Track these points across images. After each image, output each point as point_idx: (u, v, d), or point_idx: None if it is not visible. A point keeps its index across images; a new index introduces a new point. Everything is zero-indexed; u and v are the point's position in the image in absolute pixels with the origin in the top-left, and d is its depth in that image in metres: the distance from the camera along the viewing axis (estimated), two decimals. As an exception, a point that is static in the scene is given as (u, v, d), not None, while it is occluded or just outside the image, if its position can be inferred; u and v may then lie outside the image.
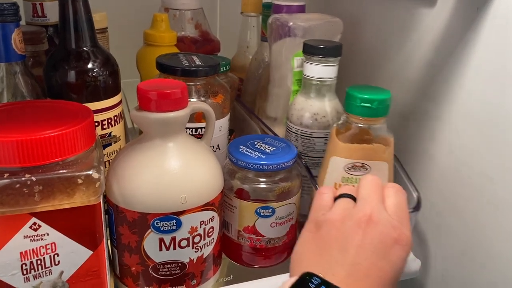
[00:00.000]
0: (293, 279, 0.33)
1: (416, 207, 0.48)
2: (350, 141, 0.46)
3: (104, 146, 0.50)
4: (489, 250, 0.46)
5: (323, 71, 0.51)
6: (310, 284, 0.32)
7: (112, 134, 0.51)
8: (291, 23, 0.57)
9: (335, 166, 0.47)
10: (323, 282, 0.32)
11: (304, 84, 0.54)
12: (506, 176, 0.43)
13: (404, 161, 0.53)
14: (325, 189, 0.42)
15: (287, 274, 0.49)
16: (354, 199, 0.40)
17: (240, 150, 0.47)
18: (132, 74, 0.66)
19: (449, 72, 0.48)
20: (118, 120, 0.51)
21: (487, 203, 0.45)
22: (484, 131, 0.45)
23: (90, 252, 0.39)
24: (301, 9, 0.64)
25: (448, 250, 0.51)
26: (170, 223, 0.40)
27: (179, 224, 0.40)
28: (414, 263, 0.53)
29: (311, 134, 0.53)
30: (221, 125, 0.53)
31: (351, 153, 0.46)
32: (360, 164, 0.46)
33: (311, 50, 0.51)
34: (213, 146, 0.52)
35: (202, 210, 0.41)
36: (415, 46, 0.53)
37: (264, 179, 0.47)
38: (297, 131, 0.53)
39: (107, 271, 0.41)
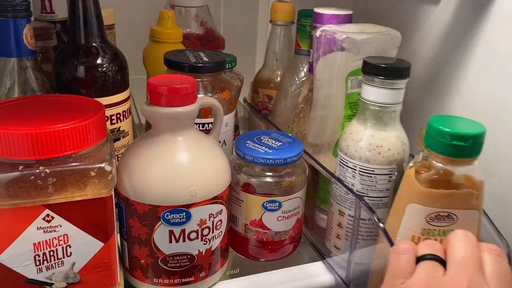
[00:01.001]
0: None
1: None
2: (433, 186, 0.38)
3: (113, 141, 0.51)
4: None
5: (387, 95, 0.44)
6: None
7: (121, 129, 0.51)
8: (343, 36, 0.49)
9: (414, 215, 0.39)
10: None
11: (362, 109, 0.46)
12: (509, 170, 0.44)
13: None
14: (404, 246, 0.33)
15: (293, 267, 0.50)
16: (442, 262, 0.32)
17: (247, 144, 0.48)
18: (138, 71, 0.66)
19: (453, 69, 0.49)
20: (126, 115, 0.52)
21: (489, 196, 0.46)
22: (489, 130, 0.46)
23: (101, 244, 0.40)
24: (348, 19, 0.55)
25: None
26: (180, 216, 0.41)
27: (188, 217, 0.41)
28: None
29: (373, 171, 0.45)
30: (227, 121, 0.53)
31: (436, 201, 0.38)
32: (446, 214, 0.38)
33: (374, 70, 0.43)
34: (220, 142, 0.53)
35: (211, 203, 0.42)
36: (420, 43, 0.54)
37: (270, 173, 0.47)
38: (355, 166, 0.45)
39: (118, 264, 0.42)
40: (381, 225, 0.41)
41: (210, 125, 0.51)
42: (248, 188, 0.48)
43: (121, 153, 0.50)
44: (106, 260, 0.40)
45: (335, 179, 0.47)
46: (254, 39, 0.96)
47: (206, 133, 0.48)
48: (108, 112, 0.49)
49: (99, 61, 0.48)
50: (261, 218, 0.48)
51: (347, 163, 0.46)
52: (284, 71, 0.67)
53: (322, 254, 0.52)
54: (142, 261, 0.43)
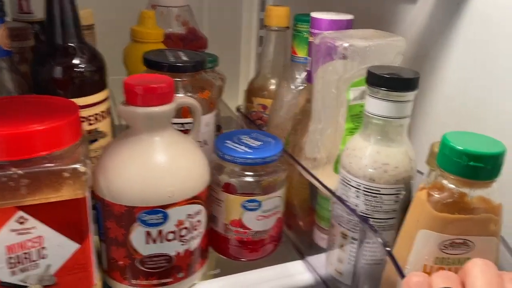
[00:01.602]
0: None
1: None
2: (447, 210, 0.35)
3: (91, 142, 0.50)
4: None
5: (393, 108, 0.39)
6: None
7: (99, 130, 0.51)
8: (346, 44, 0.45)
9: (426, 242, 0.35)
10: None
11: (366, 123, 0.42)
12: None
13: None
14: (416, 280, 0.30)
15: (273, 267, 0.50)
16: None
17: (226, 144, 0.48)
18: (119, 71, 0.66)
19: (431, 65, 0.49)
20: (105, 116, 0.51)
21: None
22: (466, 125, 0.46)
23: (77, 246, 0.39)
24: (348, 25, 0.51)
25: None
26: (157, 217, 0.40)
27: (165, 218, 0.41)
28: None
29: (378, 191, 0.41)
30: (208, 121, 0.53)
31: (451, 227, 0.35)
32: (462, 241, 0.35)
33: (379, 82, 0.39)
34: (200, 142, 0.53)
35: (188, 204, 0.42)
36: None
37: (250, 173, 0.47)
38: (359, 185, 0.41)
39: (94, 265, 0.42)
40: (390, 252, 0.37)
41: (189, 125, 0.50)
42: (228, 188, 0.48)
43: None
44: (82, 261, 0.40)
45: (337, 198, 0.43)
46: (238, 39, 0.96)
47: (186, 133, 0.47)
48: (86, 112, 0.49)
49: (76, 61, 0.48)
50: (241, 217, 0.48)
51: (350, 181, 0.42)
52: (279, 79, 0.63)
53: (302, 253, 0.52)
54: (119, 263, 0.43)
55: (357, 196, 0.42)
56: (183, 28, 0.72)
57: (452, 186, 0.35)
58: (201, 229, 0.44)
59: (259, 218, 0.48)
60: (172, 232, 0.42)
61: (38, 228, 0.37)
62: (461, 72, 0.46)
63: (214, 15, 0.91)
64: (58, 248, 0.39)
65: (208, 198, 0.45)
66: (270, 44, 0.65)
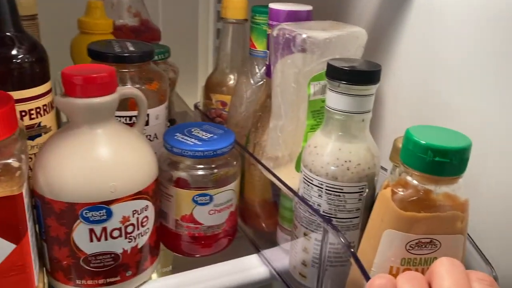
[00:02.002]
0: None
1: None
2: (412, 208, 0.33)
3: (34, 137, 0.48)
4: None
5: (355, 102, 0.38)
6: None
7: (42, 124, 0.48)
8: (305, 35, 0.43)
9: (391, 243, 0.34)
10: None
11: (327, 118, 0.40)
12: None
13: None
14: (381, 283, 0.28)
15: (227, 262, 0.49)
16: None
17: (176, 137, 0.46)
18: (66, 64, 0.63)
19: (380, 57, 0.49)
20: (48, 109, 0.49)
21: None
22: (415, 112, 0.46)
23: (13, 246, 0.37)
24: (308, 16, 0.49)
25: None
26: (100, 213, 0.39)
27: (109, 214, 0.39)
28: None
29: (341, 189, 0.39)
30: (158, 113, 0.51)
31: (417, 226, 0.33)
32: (428, 240, 0.33)
33: (340, 75, 0.37)
34: (150, 135, 0.51)
35: (134, 199, 0.40)
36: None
37: (201, 166, 0.46)
38: (321, 184, 0.40)
39: (34, 266, 0.39)
40: (354, 254, 0.35)
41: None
42: (178, 182, 0.46)
43: (42, 150, 0.47)
44: (19, 263, 0.38)
45: (299, 198, 0.42)
46: (195, 32, 0.94)
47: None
48: (27, 106, 0.46)
49: (13, 52, 0.45)
50: (192, 212, 0.46)
51: (312, 180, 0.40)
52: (238, 74, 0.61)
53: (257, 247, 0.51)
54: (63, 263, 0.41)
55: (320, 195, 0.40)
56: (135, 20, 0.70)
57: (416, 183, 0.33)
58: (149, 226, 0.43)
59: (211, 212, 0.47)
60: (117, 229, 0.40)
61: (-31, 229, 0.35)
62: (408, 62, 0.46)
63: (169, 6, 0.89)
64: (-8, 249, 0.36)
65: (156, 193, 0.43)
66: (227, 37, 0.62)
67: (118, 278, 0.42)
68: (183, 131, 0.48)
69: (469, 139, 0.32)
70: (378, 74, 0.38)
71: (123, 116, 0.48)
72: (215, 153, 0.45)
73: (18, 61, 0.45)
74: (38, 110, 0.47)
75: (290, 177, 0.44)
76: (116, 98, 0.40)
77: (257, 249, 0.51)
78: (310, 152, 0.41)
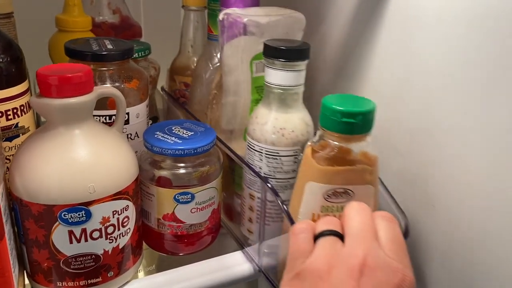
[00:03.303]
0: None
1: (405, 235, 0.39)
2: (330, 163, 0.39)
3: (11, 138, 0.47)
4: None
5: (288, 77, 0.43)
6: None
7: (19, 125, 0.47)
8: (245, 19, 0.48)
9: (312, 194, 0.39)
10: None
11: (266, 93, 0.45)
12: (412, 149, 0.45)
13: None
14: (302, 227, 0.33)
15: (210, 259, 0.48)
16: (340, 236, 0.32)
17: (156, 136, 0.46)
18: (45, 62, 0.62)
19: (360, 51, 0.49)
20: (25, 110, 0.48)
21: (399, 179, 0.47)
22: (392, 107, 0.46)
23: (-10, 250, 0.36)
24: (255, 2, 0.54)
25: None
26: (79, 214, 0.38)
27: (88, 215, 0.39)
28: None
29: (277, 153, 0.45)
30: (138, 112, 0.51)
31: (332, 178, 0.39)
32: (343, 190, 0.39)
33: (273, 53, 0.43)
34: (131, 134, 0.51)
35: (113, 199, 0.40)
36: (330, 27, 0.54)
37: (182, 164, 0.46)
38: (261, 149, 0.45)
39: (13, 269, 0.39)
40: (284, 206, 0.41)
41: (118, 117, 0.48)
42: (159, 181, 0.46)
43: (21, 151, 0.46)
44: (-3, 267, 0.37)
45: (243, 162, 0.47)
46: (177, 28, 0.93)
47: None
48: (3, 107, 0.45)
49: (-13, 51, 0.44)
50: (173, 211, 0.46)
51: (254, 146, 0.46)
52: (198, 58, 0.65)
53: (241, 244, 0.51)
54: (43, 265, 0.40)
55: (260, 159, 0.46)
56: (115, 16, 0.69)
57: (332, 142, 0.39)
58: (130, 226, 0.42)
59: (193, 210, 0.47)
60: (97, 230, 0.40)
61: None
62: (386, 56, 0.46)
63: (150, 2, 0.88)
64: (-31, 254, 0.36)
65: (136, 192, 0.43)
66: (189, 23, 0.67)
67: (99, 279, 0.42)
68: (163, 130, 0.47)
69: (374, 103, 0.38)
70: (307, 52, 0.43)
71: (102, 115, 0.47)
72: (195, 151, 0.45)
73: (-8, 61, 0.44)
74: (15, 110, 0.47)
75: (241, 148, 0.50)
76: (93, 98, 0.39)
77: (241, 246, 0.51)
78: (252, 122, 0.46)
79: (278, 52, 0.43)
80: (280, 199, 0.42)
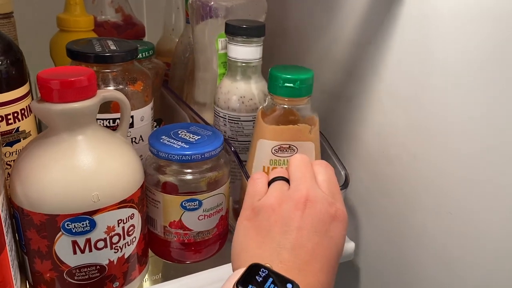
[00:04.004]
0: (239, 271, 0.31)
1: (344, 184, 0.48)
2: (276, 123, 0.45)
3: (12, 143, 0.45)
4: (419, 229, 0.46)
5: (247, 52, 0.50)
6: (257, 277, 0.30)
7: (20, 129, 0.46)
8: (212, 3, 0.54)
9: (263, 149, 0.46)
10: (271, 272, 0.31)
11: (229, 66, 0.52)
12: (430, 153, 0.43)
13: (334, 142, 0.53)
14: (258, 174, 0.40)
15: (219, 267, 0.47)
16: (287, 181, 0.39)
17: (161, 140, 0.44)
18: (46, 63, 0.60)
19: (373, 51, 0.48)
20: (26, 113, 0.46)
21: (414, 182, 0.45)
22: (408, 110, 0.45)
23: (-9, 262, 0.35)
24: None
25: (381, 231, 0.51)
26: (83, 224, 0.37)
27: (93, 225, 0.37)
28: (348, 245, 0.53)
29: (239, 118, 0.51)
30: (142, 115, 0.49)
31: (278, 135, 0.45)
32: (287, 146, 0.46)
33: (234, 31, 0.49)
34: (135, 138, 0.49)
35: (118, 208, 0.38)
36: (341, 26, 0.52)
37: (189, 170, 0.44)
38: (225, 115, 0.52)
39: (15, 281, 0.37)
40: (240, 162, 0.48)
41: (122, 120, 0.46)
42: (166, 187, 0.44)
43: (22, 156, 0.45)
44: (-2, 279, 0.36)
45: (205, 123, 0.54)
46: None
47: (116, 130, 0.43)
48: (3, 111, 0.44)
49: (-14, 54, 0.43)
50: (180, 218, 0.44)
51: (219, 113, 0.52)
52: (178, 39, 0.70)
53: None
54: (46, 276, 0.39)
55: (225, 124, 0.52)
56: (117, 15, 0.67)
57: (278, 105, 0.45)
58: (136, 234, 0.41)
59: (201, 217, 0.45)
60: (102, 239, 0.38)
61: None
62: (402, 57, 0.45)
63: (153, 1, 0.86)
64: (-32, 266, 0.34)
65: (142, 200, 0.42)
66: (171, 8, 0.73)
67: (104, 290, 0.40)
68: (169, 134, 0.46)
69: (312, 71, 0.45)
70: (262, 29, 0.49)
71: (105, 119, 0.46)
72: (203, 156, 0.43)
73: (-8, 63, 0.42)
74: (15, 114, 0.45)
75: (212, 118, 0.56)
76: (96, 103, 0.38)
77: (249, 253, 0.49)
78: (217, 92, 0.53)
79: (238, 30, 0.49)
80: (234, 150, 0.49)
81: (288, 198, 0.36)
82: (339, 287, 0.59)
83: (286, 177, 0.39)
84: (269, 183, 0.39)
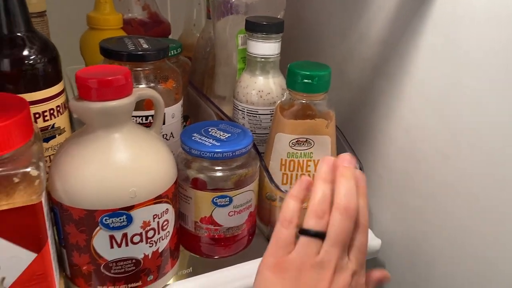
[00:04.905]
0: None
1: None
2: (293, 117, 0.47)
3: (48, 139, 0.47)
4: (447, 227, 0.46)
5: (266, 48, 0.51)
6: None
7: (56, 125, 0.47)
8: (233, 0, 0.56)
9: (281, 142, 0.48)
10: None
11: (248, 61, 0.54)
12: (461, 153, 0.43)
13: (361, 140, 0.53)
14: (289, 219, 0.36)
15: (247, 262, 0.48)
16: (321, 236, 0.35)
17: (193, 138, 0.45)
18: (77, 61, 0.62)
19: (403, 50, 0.48)
20: (61, 110, 0.48)
21: (442, 181, 0.45)
22: (439, 109, 0.45)
23: (34, 255, 0.36)
24: None
25: (408, 229, 0.51)
26: (120, 219, 0.38)
27: (129, 220, 0.38)
28: (374, 242, 0.53)
29: (257, 111, 0.53)
30: (173, 112, 0.50)
31: (295, 129, 0.47)
32: (304, 139, 0.48)
33: (253, 27, 0.51)
34: (166, 135, 0.50)
35: (154, 203, 0.39)
36: (368, 25, 0.52)
37: (220, 167, 0.45)
38: (244, 108, 0.54)
39: (55, 273, 0.39)
40: (258, 154, 0.49)
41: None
42: (197, 183, 0.45)
43: (57, 152, 0.46)
44: (40, 271, 0.37)
45: (228, 119, 0.56)
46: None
47: (149, 127, 0.44)
48: (40, 108, 0.45)
49: (25, 52, 0.44)
50: (211, 214, 0.45)
51: (238, 106, 0.54)
52: (200, 34, 0.72)
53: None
54: (83, 269, 0.40)
55: (243, 117, 0.54)
56: (144, 13, 0.68)
57: (296, 100, 0.47)
58: (169, 229, 0.42)
59: (231, 214, 0.46)
60: (138, 234, 0.39)
61: (-12, 240, 0.34)
62: (433, 56, 0.45)
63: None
64: (13, 259, 0.35)
65: (175, 195, 0.43)
66: (192, 5, 0.76)
67: (139, 283, 0.41)
68: (200, 131, 0.47)
69: (329, 68, 0.47)
70: (281, 26, 0.51)
71: (139, 116, 0.47)
72: (234, 154, 0.44)
73: (31, 62, 0.44)
74: (51, 111, 0.46)
75: (231, 111, 0.58)
76: (133, 101, 0.39)
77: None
78: (237, 86, 0.54)
79: (257, 27, 0.50)
80: (258, 151, 0.50)
81: (316, 267, 0.35)
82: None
83: (320, 229, 0.36)
84: (302, 231, 0.36)
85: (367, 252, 0.38)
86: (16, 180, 0.34)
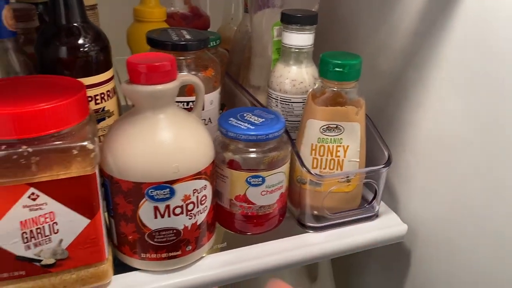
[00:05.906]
0: None
1: (387, 163, 0.53)
2: (324, 104, 0.50)
3: (98, 121, 0.51)
4: (473, 214, 0.48)
5: (300, 39, 0.54)
6: None
7: (106, 109, 0.52)
8: None
9: (312, 128, 0.51)
10: None
11: (283, 52, 0.56)
12: (488, 141, 0.45)
13: (390, 128, 0.55)
14: None
15: (277, 240, 0.51)
16: None
17: (230, 122, 0.49)
18: (123, 51, 0.66)
19: (433, 40, 0.50)
20: (111, 95, 0.52)
21: (469, 169, 0.47)
22: (466, 98, 0.46)
23: (88, 221, 0.41)
24: None
25: (434, 216, 0.53)
26: (164, 192, 0.42)
27: (172, 193, 0.42)
28: (401, 227, 0.55)
29: (290, 100, 0.56)
30: (212, 99, 0.54)
31: (326, 116, 0.50)
32: (335, 126, 0.50)
33: (288, 19, 0.54)
34: (205, 120, 0.54)
35: (194, 179, 0.43)
36: (400, 17, 0.54)
37: (254, 149, 0.48)
38: (277, 97, 0.56)
39: (105, 240, 0.43)
40: (290, 140, 0.52)
41: (194, 103, 0.51)
42: (232, 164, 0.49)
43: (107, 133, 0.51)
44: (93, 236, 0.41)
45: (262, 106, 0.58)
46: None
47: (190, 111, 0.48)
48: (92, 92, 0.50)
49: (80, 41, 0.48)
50: (245, 193, 0.49)
51: (272, 95, 0.57)
52: (237, 28, 0.75)
53: (303, 225, 0.53)
54: (129, 237, 0.44)
55: (276, 105, 0.57)
56: (185, 7, 0.72)
57: (328, 88, 0.50)
58: (207, 204, 0.46)
59: (263, 193, 0.49)
60: (179, 206, 0.43)
61: (50, 204, 0.39)
62: (462, 46, 0.46)
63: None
64: (70, 223, 0.40)
65: (213, 173, 0.46)
66: (231, 2, 0.80)
67: (179, 253, 0.45)
68: (236, 116, 0.50)
69: (360, 58, 0.49)
70: (315, 18, 0.54)
71: (181, 102, 0.51)
72: (267, 137, 0.47)
73: (85, 49, 0.48)
74: (102, 95, 0.51)
75: (265, 100, 0.60)
76: (177, 85, 0.42)
77: (304, 229, 0.53)
78: (271, 75, 0.57)
79: (292, 19, 0.53)
80: (288, 135, 0.52)
81: None
82: (389, 268, 0.62)
83: None
84: None
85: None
86: (74, 152, 0.38)
